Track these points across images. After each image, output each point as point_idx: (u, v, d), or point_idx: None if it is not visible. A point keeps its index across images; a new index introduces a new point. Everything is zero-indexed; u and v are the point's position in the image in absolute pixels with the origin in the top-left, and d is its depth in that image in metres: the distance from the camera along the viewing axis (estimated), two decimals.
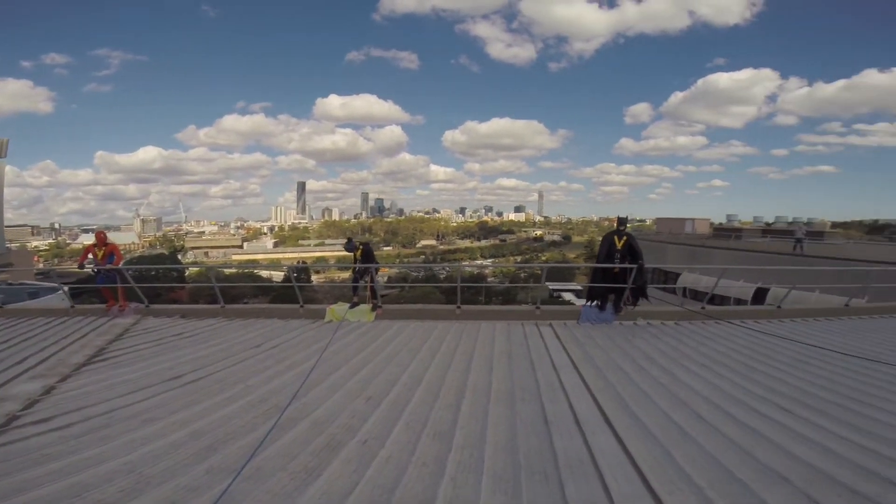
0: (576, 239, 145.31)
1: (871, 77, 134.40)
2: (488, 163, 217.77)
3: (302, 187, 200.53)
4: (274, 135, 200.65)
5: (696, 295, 20.61)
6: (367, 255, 7.72)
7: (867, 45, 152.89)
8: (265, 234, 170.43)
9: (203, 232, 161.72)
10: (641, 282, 6.82)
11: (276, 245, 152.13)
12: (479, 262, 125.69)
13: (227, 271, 50.83)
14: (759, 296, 20.06)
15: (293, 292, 8.11)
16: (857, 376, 4.34)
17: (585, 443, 3.01)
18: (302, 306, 7.76)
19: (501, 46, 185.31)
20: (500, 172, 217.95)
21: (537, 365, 4.85)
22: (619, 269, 6.81)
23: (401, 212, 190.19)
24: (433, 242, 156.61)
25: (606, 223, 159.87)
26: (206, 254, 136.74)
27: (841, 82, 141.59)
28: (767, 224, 59.16)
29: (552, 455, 2.85)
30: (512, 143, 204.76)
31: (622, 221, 6.91)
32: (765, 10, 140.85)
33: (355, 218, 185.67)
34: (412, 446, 3.00)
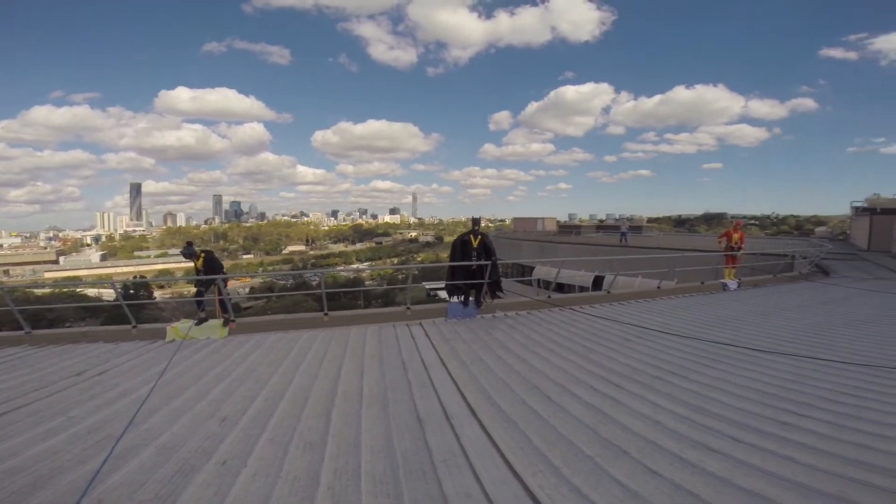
0: (448, 239, 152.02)
1: (680, 93, 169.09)
2: (363, 164, 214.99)
3: (137, 189, 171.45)
4: (101, 129, 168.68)
5: (548, 285, 23.21)
6: (210, 263, 6.86)
7: (679, 63, 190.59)
8: (89, 245, 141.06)
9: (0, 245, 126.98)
10: (497, 277, 7.42)
11: (104, 258, 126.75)
12: (354, 265, 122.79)
13: (39, 291, 40.55)
14: (598, 283, 23.68)
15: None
16: (673, 352, 5.25)
17: (456, 436, 3.14)
18: (135, 326, 6.59)
19: (384, 48, 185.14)
20: (375, 174, 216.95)
21: (408, 365, 4.88)
22: (477, 267, 7.29)
23: (262, 216, 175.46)
24: (302, 248, 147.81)
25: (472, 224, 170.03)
26: (5, 272, 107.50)
27: (657, 97, 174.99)
28: (600, 221, 69.91)
29: (427, 452, 2.92)
30: (387, 145, 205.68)
31: (476, 222, 7.44)
32: (610, 29, 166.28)
33: (206, 223, 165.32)
34: (279, 461, 2.82)
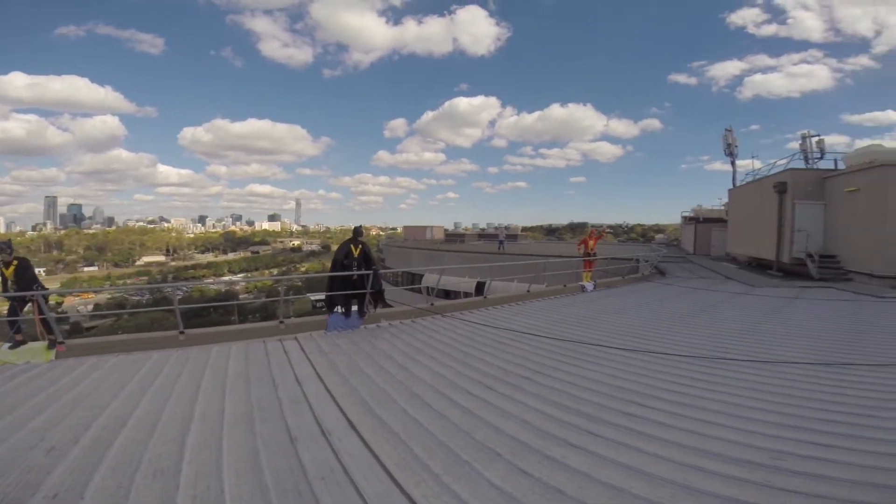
0: (335, 247, 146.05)
1: (555, 110, 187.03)
2: (238, 166, 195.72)
3: None
4: None
5: (436, 292, 23.79)
6: (23, 272, 5.57)
7: (557, 82, 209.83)
8: None
9: None
10: (379, 287, 7.35)
11: None
12: (226, 277, 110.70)
13: None
14: (480, 288, 25.05)
15: None
16: (540, 352, 5.70)
17: (334, 452, 2.99)
18: None
19: (277, 45, 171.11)
20: (254, 177, 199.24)
21: (279, 381, 4.51)
22: (358, 277, 7.15)
23: (110, 221, 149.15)
24: (161, 258, 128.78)
25: (364, 231, 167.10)
26: None
27: (537, 113, 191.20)
28: (482, 229, 74.42)
29: (301, 469, 2.74)
30: (269, 146, 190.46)
31: (358, 232, 7.30)
32: (504, 45, 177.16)
33: (35, 230, 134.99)
34: (125, 490, 2.48)
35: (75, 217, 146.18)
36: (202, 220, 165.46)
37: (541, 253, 26.89)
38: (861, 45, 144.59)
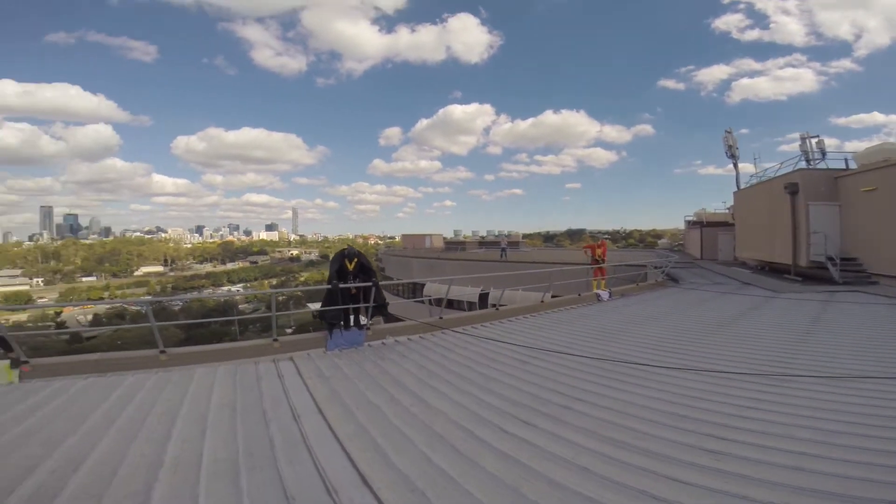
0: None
1: (549, 117, 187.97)
2: (235, 175, 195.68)
3: None
4: None
5: (439, 302, 23.03)
6: None
7: (550, 89, 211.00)
8: None
9: None
10: (381, 300, 6.68)
11: None
12: (225, 288, 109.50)
13: None
14: (483, 298, 24.33)
15: None
16: (571, 372, 4.95)
17: None
18: None
19: (270, 53, 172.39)
20: (250, 187, 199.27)
21: (272, 415, 3.79)
22: (357, 290, 6.55)
23: (107, 231, 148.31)
24: (159, 269, 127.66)
25: (361, 240, 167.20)
26: None
27: (530, 120, 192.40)
28: (482, 237, 73.74)
29: None
30: (265, 156, 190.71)
31: (349, 250, 6.66)
32: (497, 53, 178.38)
33: (31, 240, 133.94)
34: None
35: (72, 227, 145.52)
36: (199, 230, 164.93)
37: (544, 260, 26.30)
38: (843, 48, 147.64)
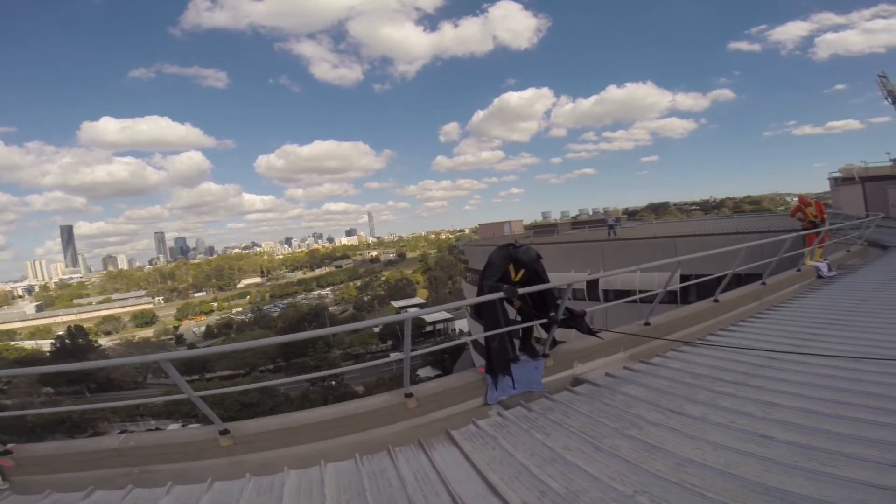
0: (410, 255, 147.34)
1: (613, 92, 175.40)
2: (313, 187, 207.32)
3: (68, 232, 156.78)
4: (21, 167, 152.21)
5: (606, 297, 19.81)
6: None
7: (609, 64, 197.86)
8: (21, 297, 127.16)
9: None
10: (582, 317, 3.91)
11: (39, 309, 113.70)
12: (316, 292, 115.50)
13: None
14: (591, 285, 20.76)
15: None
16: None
17: None
18: None
19: (327, 67, 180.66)
20: (327, 196, 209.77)
21: None
22: (522, 304, 3.92)
23: (210, 250, 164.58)
24: (258, 280, 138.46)
25: (433, 236, 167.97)
26: None
27: (593, 98, 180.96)
28: (574, 218, 68.45)
29: None
30: (337, 165, 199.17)
31: (512, 248, 3.87)
32: (546, 35, 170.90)
33: (151, 264, 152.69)
34: None
35: (182, 249, 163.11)
36: (288, 241, 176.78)
37: (666, 234, 22.22)
38: None
